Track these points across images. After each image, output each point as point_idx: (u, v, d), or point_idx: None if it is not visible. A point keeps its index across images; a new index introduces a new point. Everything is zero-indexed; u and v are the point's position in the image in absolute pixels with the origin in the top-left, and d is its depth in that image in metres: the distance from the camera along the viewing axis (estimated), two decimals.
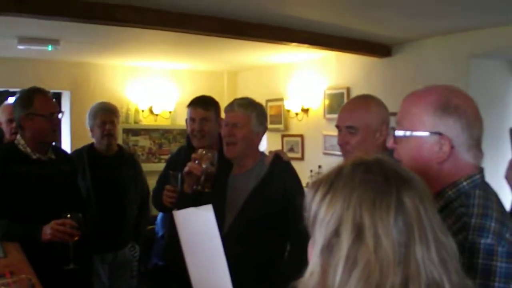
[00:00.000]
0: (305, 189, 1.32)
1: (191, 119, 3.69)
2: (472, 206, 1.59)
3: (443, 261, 1.12)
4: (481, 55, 5.57)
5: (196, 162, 2.99)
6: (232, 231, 2.92)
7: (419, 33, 5.86)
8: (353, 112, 2.70)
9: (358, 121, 2.63)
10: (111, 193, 4.41)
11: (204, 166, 2.97)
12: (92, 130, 4.43)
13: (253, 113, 3.12)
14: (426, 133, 1.67)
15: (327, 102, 7.49)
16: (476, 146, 1.69)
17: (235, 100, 3.23)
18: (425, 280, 1.08)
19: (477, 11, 4.79)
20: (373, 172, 1.16)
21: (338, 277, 1.08)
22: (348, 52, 6.60)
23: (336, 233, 1.11)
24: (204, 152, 3.04)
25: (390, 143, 1.81)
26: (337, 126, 2.73)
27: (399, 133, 1.74)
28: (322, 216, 1.15)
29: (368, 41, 6.32)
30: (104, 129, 4.34)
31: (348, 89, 7.09)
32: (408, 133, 1.71)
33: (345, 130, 2.67)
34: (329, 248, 1.12)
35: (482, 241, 1.48)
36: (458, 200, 1.63)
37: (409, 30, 5.77)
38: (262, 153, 3.26)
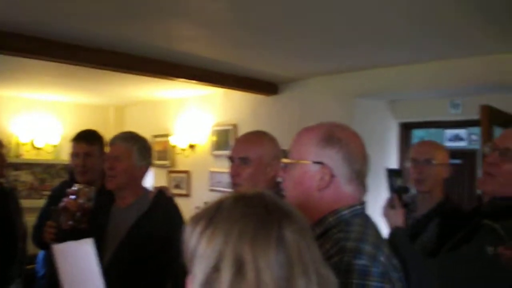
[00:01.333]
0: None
1: (74, 154, 3.58)
2: (350, 232, 1.66)
3: None
4: (365, 94, 5.77)
5: (73, 197, 2.89)
6: (111, 268, 2.81)
7: (306, 72, 6.00)
8: (248, 144, 2.72)
9: (251, 153, 2.64)
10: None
11: (80, 201, 2.88)
12: None
13: (134, 146, 3.07)
14: (309, 162, 1.76)
15: (214, 138, 7.50)
16: (358, 179, 1.77)
17: (118, 133, 3.17)
18: None
19: (362, 53, 4.98)
20: (254, 205, 1.13)
21: None
22: (236, 90, 6.64)
23: (216, 268, 1.07)
24: (81, 187, 2.94)
25: (280, 173, 1.90)
26: (230, 158, 2.73)
27: (286, 160, 1.84)
28: (201, 251, 1.10)
29: (256, 79, 6.40)
30: None
31: (235, 126, 7.12)
32: (294, 161, 1.80)
33: (238, 161, 2.68)
34: (208, 284, 1.07)
35: (357, 262, 1.53)
36: (338, 227, 1.69)
37: (296, 69, 5.91)
38: (146, 188, 3.19)
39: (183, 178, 8.01)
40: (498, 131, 4.38)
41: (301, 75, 6.16)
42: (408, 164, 3.28)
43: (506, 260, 1.91)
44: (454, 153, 11.26)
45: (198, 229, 1.13)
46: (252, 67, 5.79)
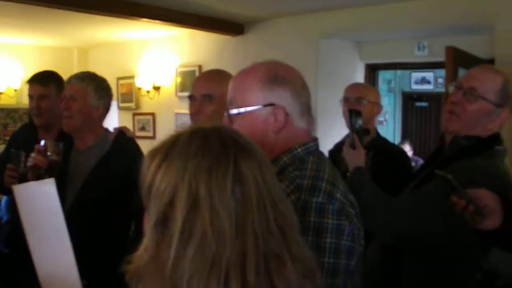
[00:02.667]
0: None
1: (29, 96, 3.51)
2: (306, 169, 1.66)
3: (282, 232, 1.10)
4: (330, 35, 5.72)
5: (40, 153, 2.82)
6: (74, 211, 2.78)
7: (272, 12, 5.91)
8: (210, 82, 2.66)
9: (214, 90, 2.58)
10: None
11: (49, 157, 2.82)
12: None
13: (90, 86, 3.00)
14: (259, 107, 1.72)
15: (179, 80, 7.40)
16: (308, 111, 1.78)
17: (75, 73, 3.12)
18: (263, 253, 1.05)
19: None
20: (211, 140, 1.10)
21: (173, 251, 1.03)
22: (201, 30, 6.54)
23: (170, 204, 1.05)
24: (50, 142, 2.87)
25: (225, 123, 1.81)
26: (191, 96, 2.67)
27: (233, 111, 1.77)
28: (156, 187, 1.08)
29: (221, 19, 6.29)
30: None
31: (200, 67, 7.02)
32: (242, 110, 1.75)
33: (201, 98, 2.62)
34: (164, 221, 1.06)
35: (314, 200, 1.55)
36: (293, 165, 1.69)
37: (262, 9, 5.80)
38: (106, 129, 3.14)
39: (148, 120, 7.92)
40: (463, 73, 4.39)
41: (267, 15, 6.07)
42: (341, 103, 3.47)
43: (459, 209, 1.92)
44: (421, 96, 11.40)
45: (154, 164, 1.11)
46: (217, 7, 5.68)
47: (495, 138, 2.42)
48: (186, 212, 1.02)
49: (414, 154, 8.50)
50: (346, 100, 3.42)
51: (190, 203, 1.03)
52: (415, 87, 10.14)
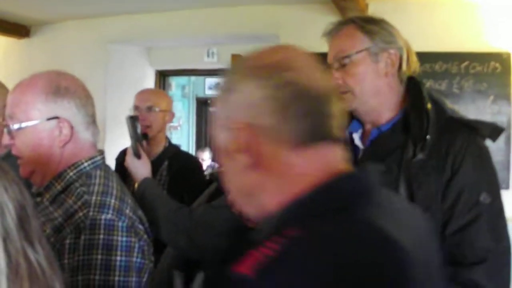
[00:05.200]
0: None
1: None
2: (93, 185, 1.62)
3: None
4: (120, 40, 5.66)
5: None
6: None
7: (59, 15, 5.70)
8: None
9: None
10: None
11: None
12: None
13: None
14: (42, 120, 1.64)
15: None
16: (93, 123, 1.74)
17: None
18: None
19: None
20: None
21: None
22: None
23: None
24: None
25: (6, 140, 1.71)
26: None
27: (14, 127, 1.67)
28: None
29: (5, 21, 5.94)
30: None
31: None
32: (23, 124, 1.65)
33: None
34: None
35: (103, 217, 1.52)
36: (79, 181, 1.65)
37: (49, 12, 5.58)
38: None
39: None
40: None
41: (55, 18, 5.84)
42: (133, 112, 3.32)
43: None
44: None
45: None
46: (1, 7, 5.36)
47: None
48: None
49: (214, 160, 8.64)
50: (136, 108, 3.30)
51: None
52: (209, 92, 10.33)
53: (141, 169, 2.54)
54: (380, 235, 0.93)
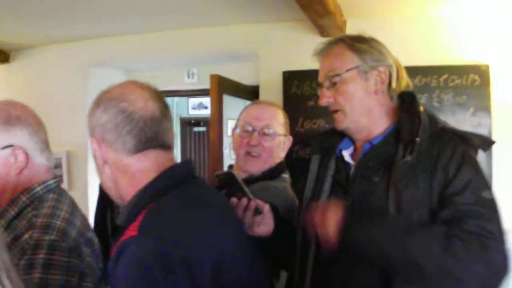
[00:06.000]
0: None
1: None
2: (42, 208, 1.68)
3: None
4: (100, 63, 5.65)
5: None
6: None
7: (39, 39, 5.66)
8: None
9: None
10: None
11: None
12: None
13: None
14: None
15: None
16: (47, 148, 1.83)
17: None
18: None
19: (94, 21, 4.87)
20: None
21: None
22: None
23: None
24: None
25: None
26: None
27: None
28: None
29: None
30: None
31: None
32: None
33: None
34: None
35: (47, 237, 1.56)
36: (32, 205, 1.70)
37: (29, 36, 5.54)
38: None
39: None
40: (227, 99, 4.59)
41: (35, 42, 5.79)
42: None
43: (240, 210, 1.96)
44: (198, 121, 11.48)
45: None
46: None
47: (282, 167, 2.61)
48: None
49: None
50: None
51: None
52: (193, 112, 10.33)
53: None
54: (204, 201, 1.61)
